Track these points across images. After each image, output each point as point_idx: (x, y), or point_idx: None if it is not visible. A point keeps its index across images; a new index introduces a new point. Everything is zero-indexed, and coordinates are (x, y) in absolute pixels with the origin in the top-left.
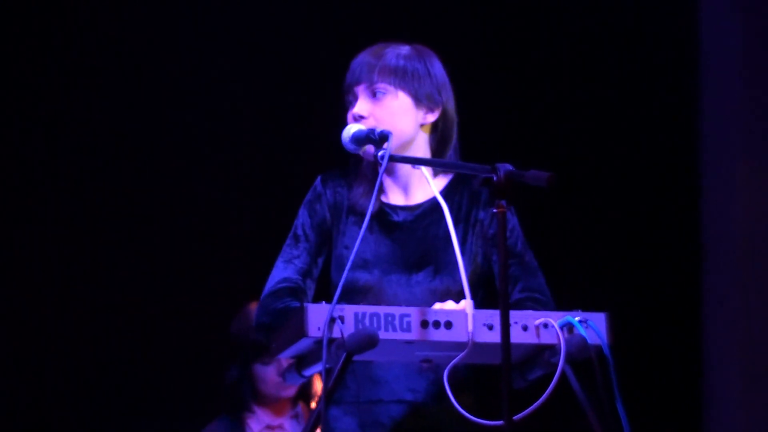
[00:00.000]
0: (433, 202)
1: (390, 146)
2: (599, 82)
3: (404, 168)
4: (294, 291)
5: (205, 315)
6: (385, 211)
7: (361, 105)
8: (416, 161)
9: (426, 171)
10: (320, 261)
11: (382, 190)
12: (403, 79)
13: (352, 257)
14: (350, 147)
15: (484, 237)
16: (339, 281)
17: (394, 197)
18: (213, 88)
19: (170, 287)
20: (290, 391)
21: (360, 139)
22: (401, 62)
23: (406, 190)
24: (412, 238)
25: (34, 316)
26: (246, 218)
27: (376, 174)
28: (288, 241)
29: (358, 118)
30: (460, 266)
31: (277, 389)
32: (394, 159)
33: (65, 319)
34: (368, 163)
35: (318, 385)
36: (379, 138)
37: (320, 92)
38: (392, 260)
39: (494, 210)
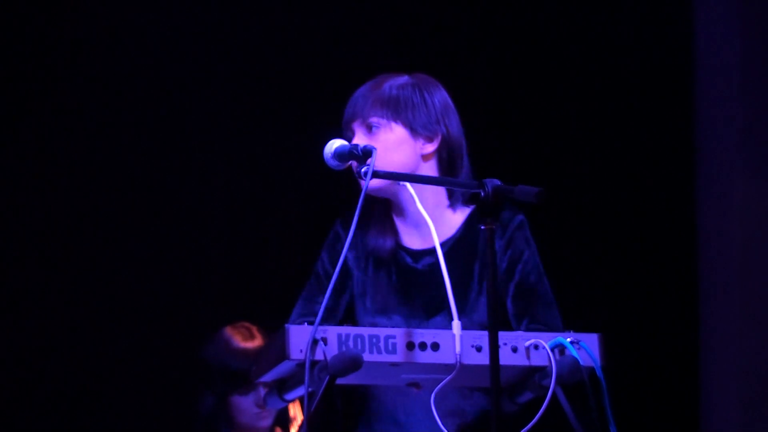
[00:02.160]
0: (450, 243)
1: (374, 162)
2: (593, 96)
3: (414, 207)
4: None
5: (178, 340)
6: (401, 255)
7: (358, 140)
8: (400, 177)
9: (411, 189)
10: (342, 302)
11: (395, 232)
12: (396, 110)
13: (334, 278)
14: (332, 163)
15: (498, 269)
16: (365, 325)
17: (410, 240)
18: (203, 119)
19: (142, 312)
20: (267, 421)
21: (343, 154)
22: (394, 92)
23: (420, 230)
24: (431, 281)
25: None
26: (222, 238)
27: (388, 215)
28: (310, 280)
29: None
30: (448, 288)
31: (254, 420)
32: (378, 175)
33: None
34: (380, 205)
35: (293, 410)
36: (363, 154)
37: (311, 119)
38: (411, 305)
39: (482, 227)
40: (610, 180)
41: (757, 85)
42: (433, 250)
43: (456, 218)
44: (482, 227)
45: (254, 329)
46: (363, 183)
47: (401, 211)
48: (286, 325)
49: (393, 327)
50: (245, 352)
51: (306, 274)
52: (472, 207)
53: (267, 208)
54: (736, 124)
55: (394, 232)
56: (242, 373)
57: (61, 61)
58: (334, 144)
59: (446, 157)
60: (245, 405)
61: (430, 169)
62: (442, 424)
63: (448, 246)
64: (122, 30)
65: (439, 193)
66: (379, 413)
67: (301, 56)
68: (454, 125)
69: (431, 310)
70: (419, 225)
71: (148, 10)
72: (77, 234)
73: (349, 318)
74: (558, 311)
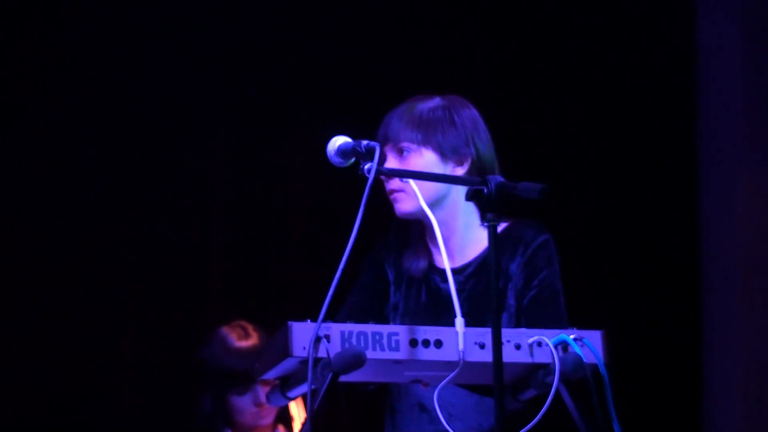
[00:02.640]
0: (480, 260)
1: (377, 158)
2: (597, 95)
3: (444, 226)
4: None
5: (176, 341)
6: (432, 275)
7: (390, 164)
8: (404, 174)
9: (416, 188)
10: (376, 305)
11: (429, 253)
12: (426, 133)
13: (332, 288)
14: (336, 160)
15: (514, 289)
16: None
17: (442, 260)
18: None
19: (139, 314)
20: (268, 419)
21: (346, 152)
22: (425, 116)
23: (451, 249)
24: (459, 299)
25: None
26: (221, 239)
27: (422, 237)
28: (352, 291)
29: (397, 192)
30: (454, 295)
31: (254, 419)
32: (382, 172)
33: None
34: (417, 226)
35: (294, 408)
36: (366, 151)
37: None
38: (438, 323)
39: (485, 224)
40: (613, 178)
41: (760, 82)
42: (461, 270)
43: (485, 235)
44: (484, 224)
45: (250, 328)
46: (367, 182)
47: (433, 233)
48: (289, 322)
49: None
50: (241, 352)
51: (306, 272)
52: (504, 226)
53: (266, 208)
54: (739, 122)
55: (428, 253)
56: (239, 372)
57: (63, 61)
58: (338, 141)
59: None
60: (244, 404)
61: (463, 190)
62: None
63: (477, 263)
64: (123, 30)
65: (470, 212)
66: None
67: (305, 56)
68: (485, 145)
69: None
70: (450, 244)
71: (150, 10)
72: (76, 234)
73: None
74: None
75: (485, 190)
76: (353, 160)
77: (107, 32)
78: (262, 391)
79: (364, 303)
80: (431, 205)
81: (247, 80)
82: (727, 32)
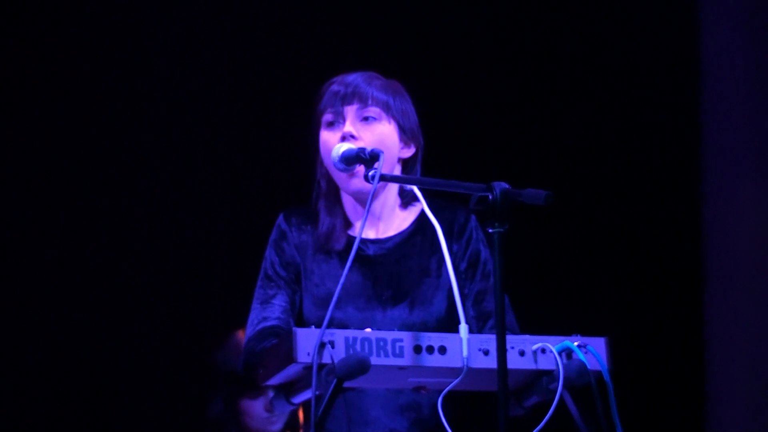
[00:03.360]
0: (405, 235)
1: (381, 165)
2: (600, 98)
3: (376, 198)
4: (276, 329)
5: (189, 343)
6: (354, 245)
7: (352, 126)
8: (408, 180)
9: (419, 193)
10: (297, 298)
11: (350, 224)
12: (395, 107)
13: (337, 292)
14: (339, 166)
15: (456, 270)
16: (313, 320)
17: (363, 232)
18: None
19: (153, 315)
20: (278, 425)
21: (350, 158)
22: (390, 93)
23: (376, 223)
24: (385, 272)
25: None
26: (230, 244)
27: (338, 205)
28: (260, 283)
29: (349, 138)
30: (454, 287)
31: (264, 424)
32: (386, 178)
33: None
34: (331, 197)
35: (303, 415)
36: (370, 157)
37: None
38: (365, 296)
39: (490, 230)
40: (616, 182)
41: (764, 85)
42: (383, 240)
43: (408, 215)
44: (490, 230)
45: None
46: (371, 188)
47: (361, 202)
48: (294, 328)
49: (347, 320)
50: None
51: None
52: (422, 207)
53: (277, 213)
54: (743, 125)
55: (346, 223)
56: (251, 377)
57: (65, 62)
58: (341, 148)
59: (410, 167)
60: (254, 409)
61: (398, 172)
62: (397, 418)
63: (400, 238)
64: (129, 30)
65: (395, 192)
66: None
67: (306, 60)
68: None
69: (386, 302)
70: (375, 218)
71: (152, 10)
72: (87, 237)
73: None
74: (514, 316)
75: (490, 197)
76: (356, 166)
77: (115, 31)
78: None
79: (290, 303)
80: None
81: (252, 81)
82: (731, 37)
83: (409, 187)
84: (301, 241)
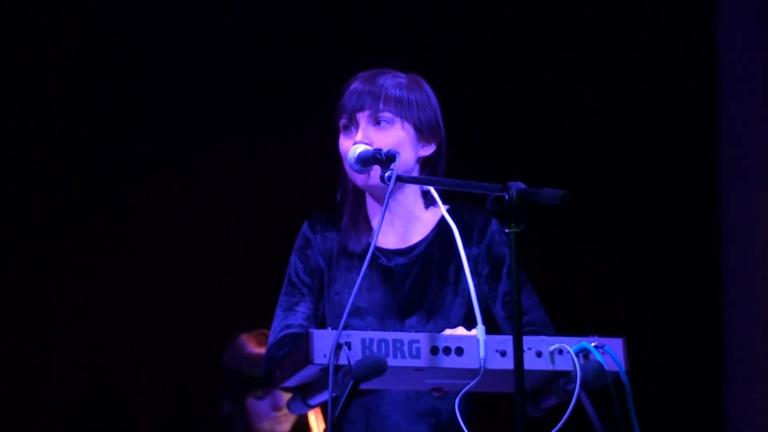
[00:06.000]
0: (427, 242)
1: (397, 166)
2: (616, 99)
3: (396, 204)
4: (299, 337)
5: (197, 347)
6: (376, 255)
7: (365, 132)
8: (424, 181)
9: (435, 194)
10: (321, 305)
11: (371, 229)
12: (408, 109)
13: (350, 301)
14: (356, 168)
15: (478, 275)
16: (336, 327)
17: (385, 239)
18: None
19: (161, 317)
20: (286, 425)
21: (366, 159)
22: (404, 92)
23: (397, 230)
24: (405, 282)
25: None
26: (239, 245)
27: (362, 213)
28: (284, 290)
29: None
30: (471, 290)
31: (271, 425)
32: (402, 179)
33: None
34: (354, 200)
35: (312, 418)
36: (386, 158)
37: (310, 130)
38: (385, 306)
39: (506, 230)
40: (633, 183)
41: None
42: (406, 251)
43: (431, 218)
44: (507, 230)
45: None
46: (387, 189)
47: (376, 210)
48: (310, 330)
49: (366, 328)
50: (259, 358)
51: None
52: (446, 208)
53: (288, 214)
54: (761, 125)
55: (369, 230)
56: (256, 377)
57: (68, 62)
58: (358, 149)
59: (432, 163)
60: (262, 409)
61: (419, 171)
62: (417, 424)
63: (424, 246)
64: (137, 30)
65: (417, 193)
66: (352, 417)
67: (313, 60)
68: (444, 129)
69: (405, 311)
70: (396, 225)
71: (156, 11)
72: (96, 239)
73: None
74: (546, 313)
75: (506, 197)
76: (372, 167)
77: (126, 30)
78: (281, 396)
79: (314, 310)
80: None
81: (266, 89)
82: (748, 37)
83: (425, 187)
84: (326, 248)
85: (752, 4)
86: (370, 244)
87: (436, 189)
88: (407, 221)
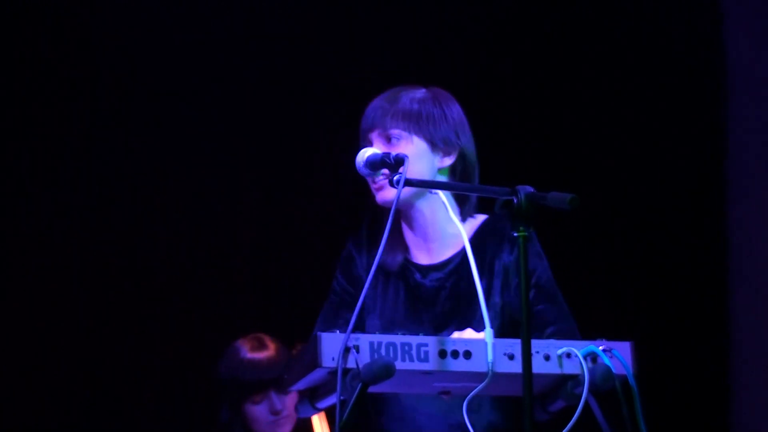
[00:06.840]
0: (461, 256)
1: (406, 170)
2: (623, 101)
3: (424, 219)
4: None
5: (194, 357)
6: (411, 270)
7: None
8: (433, 185)
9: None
10: (364, 315)
11: (406, 247)
12: (417, 123)
13: (361, 298)
14: (364, 171)
15: (508, 286)
16: None
17: (419, 255)
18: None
19: (157, 328)
20: (286, 428)
21: (375, 163)
22: (415, 106)
23: (428, 245)
24: (438, 297)
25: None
26: (239, 251)
27: (398, 229)
28: (329, 300)
29: None
30: (479, 292)
31: (271, 428)
32: (411, 183)
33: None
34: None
35: (315, 420)
36: (395, 162)
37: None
38: (418, 321)
39: (515, 234)
40: (641, 186)
41: None
42: (440, 266)
43: (468, 229)
44: (515, 234)
45: (267, 339)
46: (396, 192)
47: (412, 225)
48: (318, 333)
49: None
50: (253, 362)
51: (321, 285)
52: (483, 219)
53: (288, 219)
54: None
55: (404, 247)
56: (252, 382)
57: (68, 63)
58: (366, 152)
59: (461, 170)
60: (259, 413)
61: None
62: None
63: (458, 260)
64: (146, 32)
65: (446, 206)
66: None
67: (321, 63)
68: (469, 138)
69: (439, 326)
70: (428, 240)
71: (160, 11)
72: (97, 243)
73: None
74: (575, 323)
75: (515, 201)
76: (381, 171)
77: (126, 30)
78: (278, 399)
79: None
80: (415, 195)
81: (275, 97)
82: (757, 38)
83: (434, 191)
84: (368, 264)
85: (759, 4)
86: (404, 261)
87: (449, 195)
88: (438, 235)
